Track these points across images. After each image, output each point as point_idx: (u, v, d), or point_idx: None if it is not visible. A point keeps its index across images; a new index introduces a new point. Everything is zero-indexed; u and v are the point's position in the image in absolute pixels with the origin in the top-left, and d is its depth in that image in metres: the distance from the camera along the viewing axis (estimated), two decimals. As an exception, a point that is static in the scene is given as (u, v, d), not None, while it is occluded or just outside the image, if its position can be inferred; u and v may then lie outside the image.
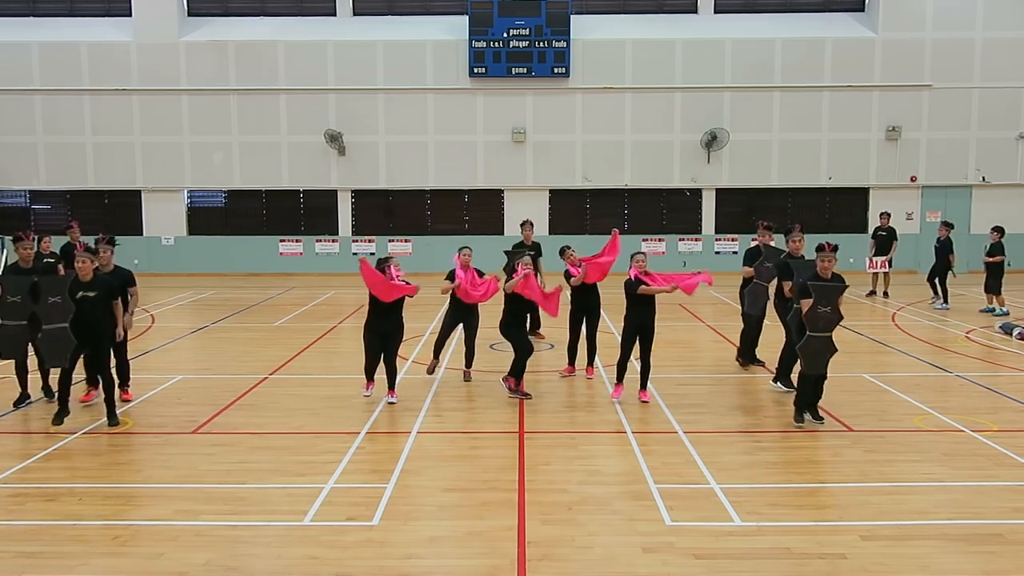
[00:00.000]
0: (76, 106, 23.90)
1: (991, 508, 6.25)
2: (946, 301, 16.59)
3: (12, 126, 23.89)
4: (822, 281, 7.95)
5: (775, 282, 9.81)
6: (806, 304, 7.86)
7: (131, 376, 9.65)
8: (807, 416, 8.42)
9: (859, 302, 17.30)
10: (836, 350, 8.08)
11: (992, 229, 16.18)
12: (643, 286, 8.81)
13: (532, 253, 10.56)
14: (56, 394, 8.25)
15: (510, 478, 6.90)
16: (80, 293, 8.21)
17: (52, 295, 8.18)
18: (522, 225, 13.09)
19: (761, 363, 10.95)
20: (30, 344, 8.70)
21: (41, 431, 8.23)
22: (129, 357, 9.65)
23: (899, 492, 6.57)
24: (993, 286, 15.76)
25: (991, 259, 15.69)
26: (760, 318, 10.73)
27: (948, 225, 16.98)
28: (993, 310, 15.74)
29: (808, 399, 8.28)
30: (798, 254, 9.54)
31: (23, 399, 9.22)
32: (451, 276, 9.91)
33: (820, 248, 8.07)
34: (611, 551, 5.53)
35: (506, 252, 11.17)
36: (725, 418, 8.73)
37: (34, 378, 9.37)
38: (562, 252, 10.42)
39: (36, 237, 9.58)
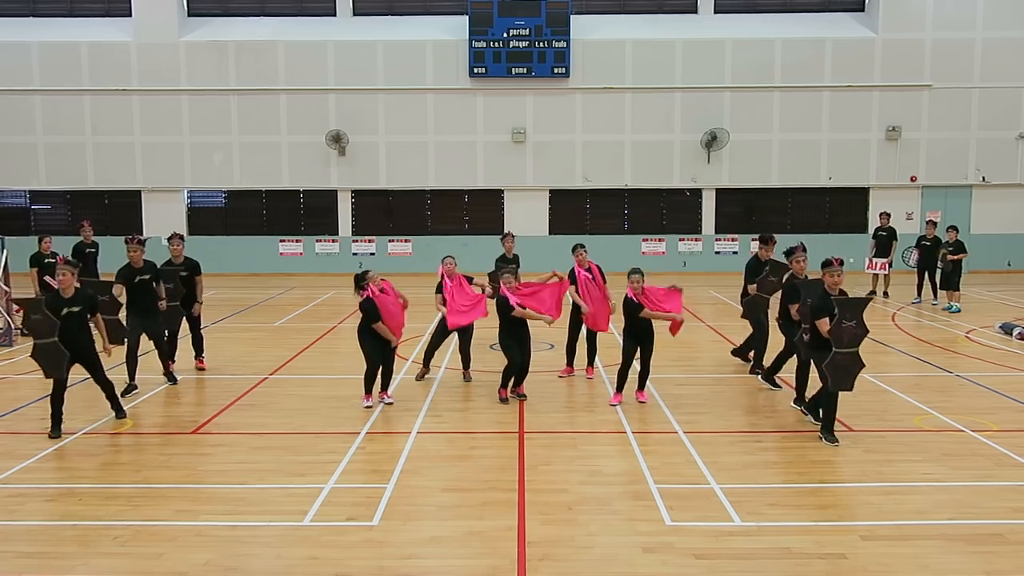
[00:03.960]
0: (76, 106, 23.90)
1: (991, 508, 6.25)
2: (921, 296, 17.26)
3: (12, 126, 23.88)
4: (838, 296, 7.71)
5: (780, 301, 9.48)
6: (824, 324, 7.56)
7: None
8: (808, 416, 8.44)
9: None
10: (864, 365, 7.79)
11: (949, 228, 16.92)
12: (644, 310, 8.81)
13: (513, 267, 10.44)
14: (51, 413, 8.17)
15: (510, 478, 6.90)
16: (65, 309, 8.00)
17: (34, 313, 8.06)
18: (503, 237, 12.93)
19: (779, 387, 9.98)
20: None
21: (41, 431, 8.23)
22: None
23: (899, 492, 6.57)
24: (956, 283, 16.23)
25: (956, 257, 16.18)
26: (766, 319, 10.36)
27: (934, 224, 17.55)
28: (951, 307, 16.21)
29: (831, 413, 7.92)
30: (801, 275, 9.19)
31: (130, 388, 9.73)
32: (439, 289, 10.01)
33: (827, 263, 7.81)
34: (611, 551, 5.53)
35: (497, 261, 11.20)
36: (725, 418, 8.73)
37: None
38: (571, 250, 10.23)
39: (144, 240, 10.07)
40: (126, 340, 9.63)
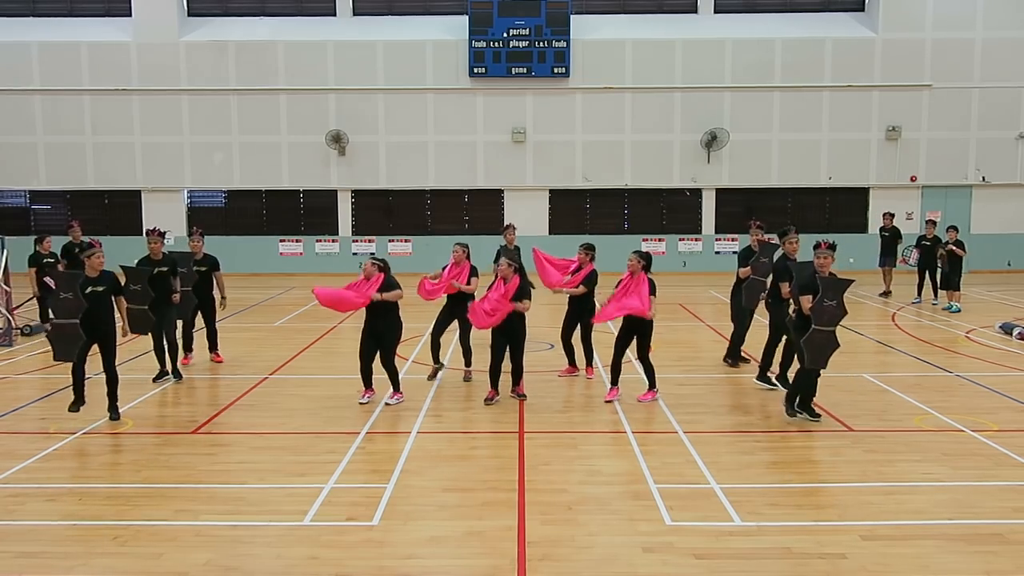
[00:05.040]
0: (76, 106, 23.90)
1: (991, 508, 6.25)
2: (921, 296, 17.33)
3: (12, 126, 23.90)
4: (825, 277, 7.97)
5: (770, 281, 9.81)
6: (807, 300, 7.90)
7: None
8: (803, 414, 8.43)
9: (861, 302, 17.27)
10: (839, 345, 8.08)
11: (949, 228, 16.88)
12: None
13: (515, 255, 10.48)
14: (73, 385, 8.33)
15: (510, 478, 6.90)
16: (90, 288, 8.22)
17: (64, 291, 8.19)
18: (504, 229, 12.93)
19: (747, 360, 11.08)
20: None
21: (41, 431, 8.24)
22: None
23: (899, 492, 6.57)
24: (956, 283, 16.26)
25: (953, 248, 16.22)
26: (750, 314, 10.84)
27: (933, 224, 17.63)
28: (951, 307, 16.25)
29: (805, 394, 8.34)
30: (793, 255, 9.50)
31: (162, 375, 10.25)
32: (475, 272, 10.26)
33: (816, 246, 8.09)
34: (611, 551, 5.53)
35: (498, 250, 11.21)
36: (725, 418, 8.73)
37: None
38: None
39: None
40: (151, 332, 9.90)
